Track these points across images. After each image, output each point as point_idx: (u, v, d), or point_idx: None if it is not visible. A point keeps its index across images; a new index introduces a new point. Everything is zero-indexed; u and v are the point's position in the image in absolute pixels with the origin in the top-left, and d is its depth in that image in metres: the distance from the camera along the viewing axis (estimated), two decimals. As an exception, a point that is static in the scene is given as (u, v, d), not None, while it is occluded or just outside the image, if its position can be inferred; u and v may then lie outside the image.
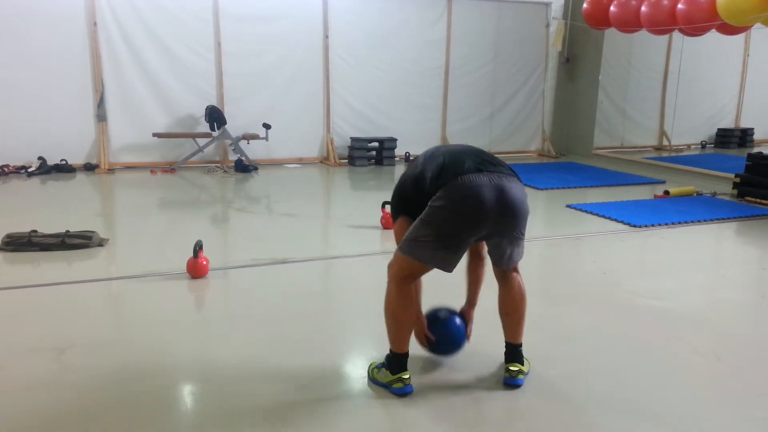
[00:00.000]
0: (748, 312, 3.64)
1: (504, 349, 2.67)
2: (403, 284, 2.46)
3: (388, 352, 2.58)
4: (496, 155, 2.59)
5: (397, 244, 2.55)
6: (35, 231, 4.50)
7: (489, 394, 2.57)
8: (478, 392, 2.58)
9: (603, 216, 5.71)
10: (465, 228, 2.38)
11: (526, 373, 2.64)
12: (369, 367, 2.68)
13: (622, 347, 3.05)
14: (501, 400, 2.53)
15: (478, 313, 2.87)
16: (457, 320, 2.78)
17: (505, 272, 2.60)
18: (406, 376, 2.51)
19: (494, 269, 2.62)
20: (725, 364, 2.89)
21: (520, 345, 2.64)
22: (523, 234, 2.52)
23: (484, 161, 2.43)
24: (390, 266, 2.51)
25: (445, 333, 2.75)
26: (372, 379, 2.62)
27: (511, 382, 2.58)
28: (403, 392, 2.50)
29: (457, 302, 2.88)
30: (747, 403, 2.55)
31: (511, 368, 2.60)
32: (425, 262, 2.42)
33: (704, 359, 2.92)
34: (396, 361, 2.53)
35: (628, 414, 2.44)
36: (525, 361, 2.66)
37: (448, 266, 2.44)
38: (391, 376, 2.52)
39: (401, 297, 2.46)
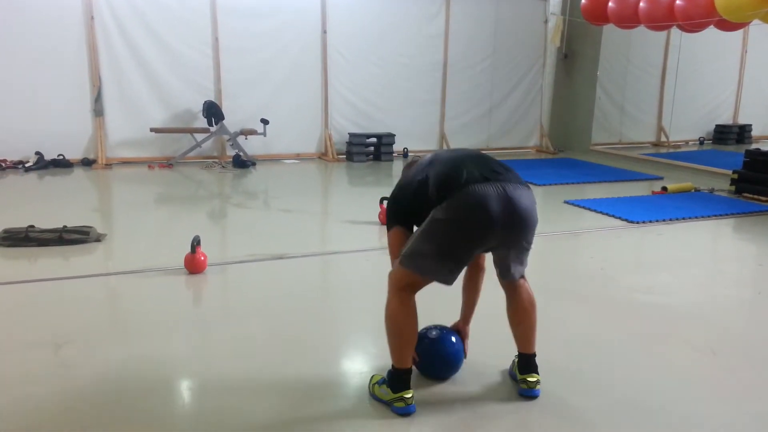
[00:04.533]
0: (744, 308, 3.65)
1: (516, 360, 2.59)
2: (403, 295, 2.33)
3: (390, 368, 2.40)
4: (495, 151, 2.56)
5: (391, 255, 2.45)
6: (32, 226, 4.49)
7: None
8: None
9: (601, 212, 5.71)
10: (470, 242, 2.27)
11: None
12: (370, 382, 2.51)
13: (618, 342, 3.06)
14: (492, 392, 2.53)
15: (480, 321, 2.81)
16: (452, 339, 2.64)
17: (513, 282, 2.49)
18: (409, 395, 2.34)
19: (501, 280, 2.52)
20: (721, 360, 2.89)
21: (534, 354, 2.53)
22: (530, 244, 2.41)
23: (490, 169, 2.29)
24: (390, 276, 2.38)
25: (441, 355, 2.61)
26: (372, 395, 2.46)
27: (528, 393, 2.48)
28: (406, 412, 2.34)
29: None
30: (742, 397, 2.56)
31: (529, 379, 2.48)
32: (426, 276, 2.32)
33: (700, 354, 2.93)
34: (398, 378, 2.36)
35: (624, 408, 2.44)
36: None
37: (449, 280, 2.34)
38: (393, 394, 2.36)
39: (402, 308, 2.33)
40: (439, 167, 2.35)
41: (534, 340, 2.54)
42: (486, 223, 2.22)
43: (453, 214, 2.22)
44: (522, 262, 2.46)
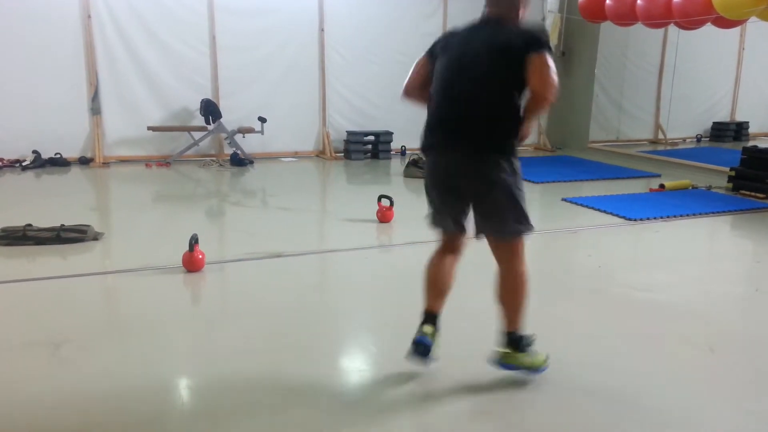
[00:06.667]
0: (742, 305, 3.65)
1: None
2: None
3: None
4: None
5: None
6: (30, 225, 4.48)
7: (483, 386, 2.57)
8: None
9: (598, 209, 5.72)
10: (436, 196, 2.61)
11: (526, 366, 2.54)
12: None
13: (616, 340, 3.06)
14: (493, 390, 2.53)
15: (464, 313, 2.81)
16: None
17: (495, 249, 2.53)
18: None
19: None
20: (719, 357, 2.90)
21: (513, 332, 2.53)
22: (500, 209, 2.43)
23: (456, 133, 2.54)
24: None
25: None
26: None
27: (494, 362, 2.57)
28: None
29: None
30: (740, 395, 2.56)
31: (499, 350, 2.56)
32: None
33: (698, 351, 2.94)
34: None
35: (621, 405, 2.44)
36: (526, 351, 2.54)
37: (441, 226, 2.63)
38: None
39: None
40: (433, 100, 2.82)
41: (515, 319, 2.55)
42: (437, 184, 2.59)
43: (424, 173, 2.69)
44: (492, 225, 2.48)
